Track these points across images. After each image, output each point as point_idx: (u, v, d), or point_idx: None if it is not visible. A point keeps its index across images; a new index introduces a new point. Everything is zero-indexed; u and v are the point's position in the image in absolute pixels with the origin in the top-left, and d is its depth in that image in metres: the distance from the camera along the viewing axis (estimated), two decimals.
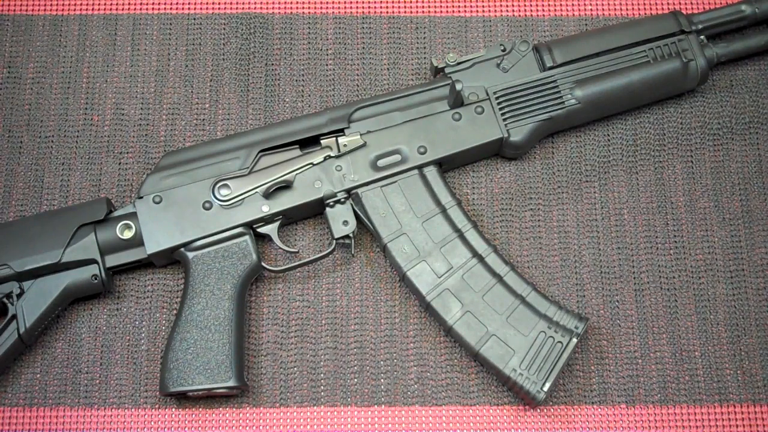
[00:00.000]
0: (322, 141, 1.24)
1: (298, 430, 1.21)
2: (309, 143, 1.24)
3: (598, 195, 1.31)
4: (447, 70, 1.27)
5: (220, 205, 1.21)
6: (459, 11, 1.39)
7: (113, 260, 1.20)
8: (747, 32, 1.36)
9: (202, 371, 1.16)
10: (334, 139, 1.24)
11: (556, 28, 1.38)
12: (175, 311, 1.24)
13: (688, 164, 1.32)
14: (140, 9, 1.38)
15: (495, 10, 1.39)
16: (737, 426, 1.22)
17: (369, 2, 1.40)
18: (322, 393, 1.22)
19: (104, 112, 1.34)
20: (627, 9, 1.39)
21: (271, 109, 1.34)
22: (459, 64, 1.27)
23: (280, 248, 1.23)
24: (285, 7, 1.39)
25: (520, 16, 1.39)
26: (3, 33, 1.37)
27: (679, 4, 1.40)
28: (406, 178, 1.24)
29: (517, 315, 1.18)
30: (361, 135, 1.24)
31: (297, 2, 1.39)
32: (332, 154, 1.23)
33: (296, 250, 1.26)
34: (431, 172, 1.24)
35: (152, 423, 1.21)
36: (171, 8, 1.39)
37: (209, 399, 1.21)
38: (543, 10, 1.39)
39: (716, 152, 1.33)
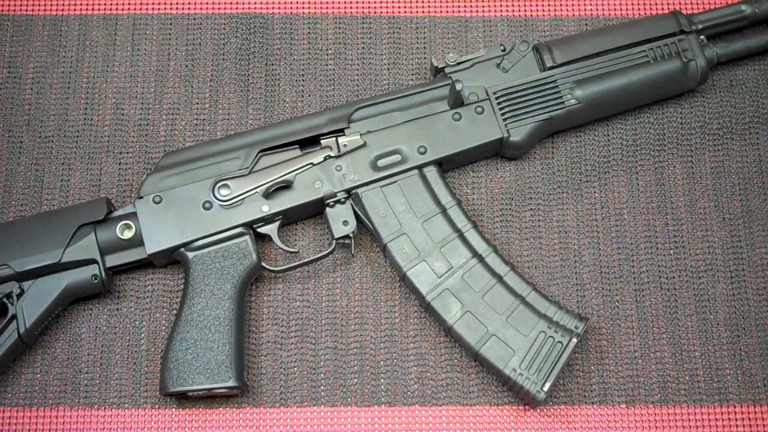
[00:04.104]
0: (322, 141, 1.24)
1: (298, 430, 1.21)
2: (309, 143, 1.24)
3: (598, 195, 1.31)
4: (447, 70, 1.27)
5: (220, 205, 1.21)
6: (459, 11, 1.39)
7: (113, 260, 1.20)
8: (747, 32, 1.36)
9: (202, 371, 1.16)
10: (334, 139, 1.24)
11: (556, 28, 1.38)
12: (175, 311, 1.24)
13: (688, 164, 1.32)
14: (140, 9, 1.38)
15: (495, 10, 1.39)
16: (737, 426, 1.22)
17: (369, 2, 1.40)
18: (322, 393, 1.22)
19: (104, 112, 1.34)
20: (627, 9, 1.39)
21: (271, 109, 1.34)
22: (459, 64, 1.27)
23: (280, 248, 1.23)
24: (285, 7, 1.39)
25: (520, 16, 1.39)
26: (3, 33, 1.37)
27: (679, 4, 1.40)
28: (406, 178, 1.23)
29: (517, 315, 1.18)
30: (361, 135, 1.24)
31: (297, 2, 1.39)
32: (332, 154, 1.23)
33: (296, 250, 1.26)
34: (431, 172, 1.24)
35: (152, 423, 1.21)
36: (171, 8, 1.39)
37: (209, 399, 1.21)
38: (543, 10, 1.39)
39: (716, 152, 1.33)
